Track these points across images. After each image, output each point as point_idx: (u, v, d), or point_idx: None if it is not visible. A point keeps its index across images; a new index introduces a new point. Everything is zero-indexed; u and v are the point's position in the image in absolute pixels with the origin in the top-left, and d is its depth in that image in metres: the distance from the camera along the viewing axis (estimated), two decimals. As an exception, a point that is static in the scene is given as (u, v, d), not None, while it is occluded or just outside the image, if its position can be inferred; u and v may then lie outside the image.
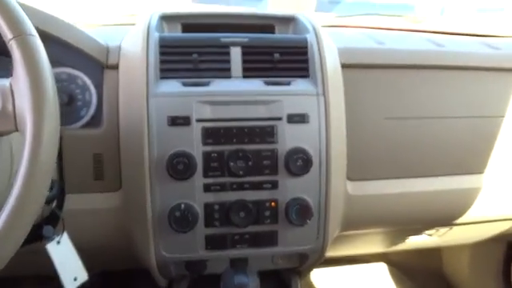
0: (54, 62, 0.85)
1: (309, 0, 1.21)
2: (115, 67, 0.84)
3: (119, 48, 0.86)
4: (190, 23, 0.97)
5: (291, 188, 0.79)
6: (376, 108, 0.85)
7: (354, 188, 0.85)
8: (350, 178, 0.85)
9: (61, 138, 0.79)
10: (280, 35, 0.92)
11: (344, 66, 0.85)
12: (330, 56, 0.86)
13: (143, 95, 0.77)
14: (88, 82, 0.81)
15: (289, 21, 0.98)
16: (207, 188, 0.78)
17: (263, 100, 0.77)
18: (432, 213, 0.91)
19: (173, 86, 0.77)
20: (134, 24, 0.89)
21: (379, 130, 0.85)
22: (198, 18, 0.97)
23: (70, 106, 0.79)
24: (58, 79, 0.77)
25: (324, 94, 0.82)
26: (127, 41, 0.87)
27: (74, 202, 0.80)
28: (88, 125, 0.79)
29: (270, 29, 0.98)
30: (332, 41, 0.91)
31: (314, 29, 0.88)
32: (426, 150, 0.89)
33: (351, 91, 0.85)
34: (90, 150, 0.78)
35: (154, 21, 0.87)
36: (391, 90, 0.87)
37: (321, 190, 0.81)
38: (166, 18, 0.95)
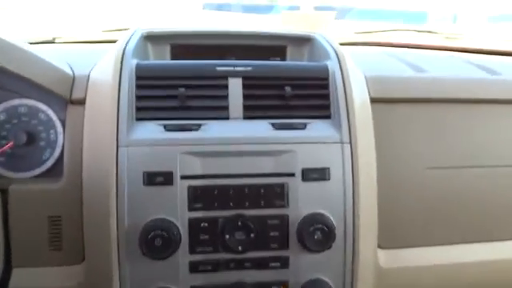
0: (12, 93, 0.67)
1: (327, 14, 1.02)
2: (81, 102, 0.66)
3: (87, 78, 0.67)
4: (182, 44, 0.78)
5: (306, 267, 0.60)
6: (415, 155, 0.69)
7: (388, 259, 0.67)
8: (381, 247, 0.67)
9: (5, 192, 0.61)
10: (293, 63, 0.73)
11: (374, 101, 0.66)
12: (357, 89, 0.66)
13: (111, 143, 0.59)
14: (53, 117, 0.68)
15: (304, 42, 0.78)
16: (194, 268, 0.59)
17: (270, 150, 0.61)
18: None
19: (151, 130, 0.59)
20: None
21: (419, 183, 0.70)
22: (191, 37, 0.78)
23: (30, 146, 0.66)
24: (15, 113, 0.67)
25: (351, 141, 0.62)
26: (98, 69, 0.69)
27: (22, 278, 0.63)
28: (47, 174, 0.66)
29: (279, 52, 0.79)
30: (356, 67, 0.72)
31: (337, 54, 0.68)
32: (482, 208, 0.69)
33: (383, 134, 0.66)
34: (45, 210, 0.64)
35: (133, 42, 0.68)
36: (435, 132, 0.68)
37: (345, 268, 0.62)
38: (152, 38, 0.76)
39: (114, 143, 0.59)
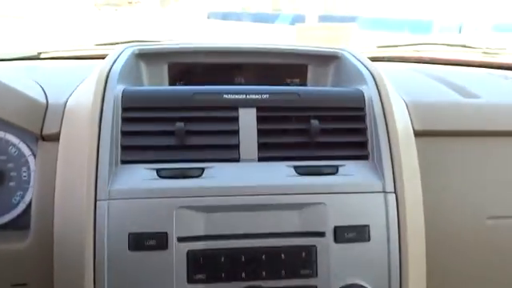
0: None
1: (349, 27, 0.88)
2: (54, 138, 0.52)
3: (63, 107, 0.54)
4: (182, 63, 0.65)
5: None
6: (473, 202, 0.53)
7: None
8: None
9: None
10: (320, 88, 0.59)
11: (418, 134, 0.52)
12: (400, 121, 0.53)
13: (88, 194, 0.46)
14: (26, 152, 0.57)
15: (328, 60, 0.65)
16: None
17: (293, 202, 0.49)
18: None
19: (140, 177, 0.47)
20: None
21: (478, 237, 0.58)
22: (192, 55, 0.65)
23: None
24: None
25: (396, 189, 0.49)
26: (76, 96, 0.56)
27: None
28: (16, 222, 0.55)
29: (299, 73, 0.66)
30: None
31: (373, 76, 0.55)
32: None
33: (430, 176, 0.52)
34: (7, 276, 0.52)
35: (121, 62, 0.55)
36: (496, 172, 0.53)
37: None
38: (146, 57, 0.63)
39: (91, 195, 0.46)
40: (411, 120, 0.58)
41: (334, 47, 0.66)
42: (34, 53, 0.93)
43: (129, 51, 0.60)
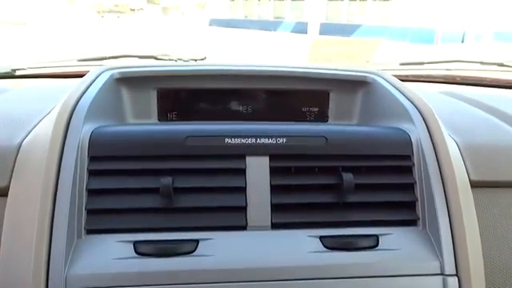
0: None
1: (375, 43, 0.76)
2: (1, 193, 0.40)
3: (16, 153, 0.41)
4: (175, 89, 0.52)
5: None
6: None
7: None
8: None
9: None
10: (352, 129, 0.46)
11: (474, 186, 0.38)
12: (459, 173, 0.40)
13: (36, 280, 0.32)
14: None
15: (357, 86, 0.52)
16: None
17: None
18: None
19: (111, 253, 0.34)
20: None
21: None
22: (189, 80, 0.52)
23: None
24: None
25: (458, 270, 0.35)
26: (34, 137, 0.43)
27: None
28: None
29: (318, 100, 0.53)
30: None
31: (420, 111, 0.42)
32: None
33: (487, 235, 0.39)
34: None
35: (93, 92, 0.42)
36: None
37: None
38: (128, 82, 0.50)
39: (39, 281, 0.33)
40: (466, 168, 0.45)
41: (363, 69, 0.54)
42: (7, 69, 0.80)
43: (106, 75, 0.47)
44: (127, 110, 0.51)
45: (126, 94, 0.51)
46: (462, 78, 0.86)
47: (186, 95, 0.53)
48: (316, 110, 0.55)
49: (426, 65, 0.93)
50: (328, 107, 0.55)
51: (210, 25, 14.89)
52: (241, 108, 0.54)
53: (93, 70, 0.49)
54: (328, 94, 0.54)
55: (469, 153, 0.46)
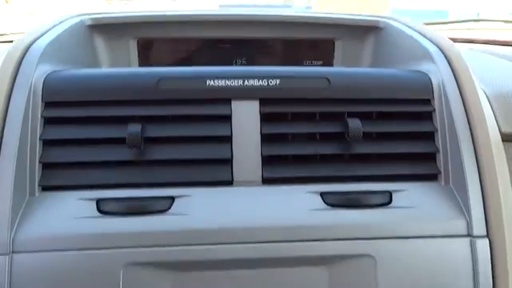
0: None
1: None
2: None
3: None
4: (157, 38, 0.46)
5: None
6: None
7: None
8: None
9: None
10: (359, 70, 0.39)
11: (506, 140, 0.34)
12: (490, 122, 0.33)
13: None
14: None
15: (366, 32, 0.46)
16: None
17: (321, 254, 0.30)
18: None
19: (69, 212, 0.29)
20: None
21: None
22: (174, 27, 0.46)
23: None
24: None
25: (489, 231, 0.29)
26: None
27: None
28: None
29: (322, 50, 0.47)
30: None
31: (443, 52, 0.36)
32: None
33: None
34: None
35: (53, 34, 0.36)
36: None
37: None
38: (103, 30, 0.44)
39: None
40: (496, 119, 0.38)
41: (373, 15, 0.47)
42: None
43: (74, 20, 0.41)
44: (103, 60, 0.45)
45: (100, 43, 0.45)
46: (485, 40, 0.78)
47: (169, 45, 0.46)
48: (320, 62, 0.48)
49: (449, 24, 0.85)
50: (332, 58, 0.48)
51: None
52: (233, 60, 0.47)
53: (62, 15, 0.43)
54: (333, 43, 0.47)
55: (499, 104, 0.39)
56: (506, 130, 0.38)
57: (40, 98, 0.31)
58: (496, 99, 0.40)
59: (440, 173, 0.32)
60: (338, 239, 0.29)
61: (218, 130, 0.32)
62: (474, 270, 0.29)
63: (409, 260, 0.29)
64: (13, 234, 0.28)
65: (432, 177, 0.33)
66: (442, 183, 0.32)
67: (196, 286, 0.28)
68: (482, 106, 0.33)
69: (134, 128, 0.30)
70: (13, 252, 0.28)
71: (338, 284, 0.29)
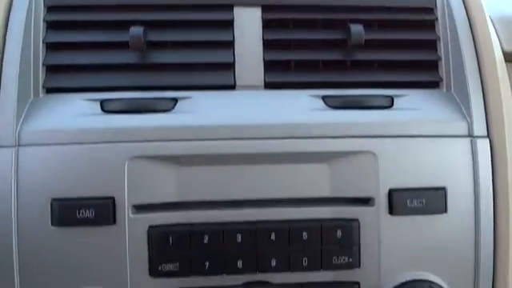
0: None
1: None
2: None
3: None
4: None
5: None
6: None
7: None
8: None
9: None
10: None
11: (508, 59, 0.36)
12: (492, 33, 0.34)
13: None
14: None
15: None
16: None
17: (322, 150, 0.30)
18: None
19: (73, 110, 0.30)
20: None
21: None
22: None
23: None
24: None
25: (490, 132, 0.29)
26: None
27: None
28: None
29: None
30: None
31: None
32: None
33: None
34: None
35: None
36: None
37: None
38: None
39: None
40: (499, 37, 0.38)
41: None
42: None
43: None
44: None
45: None
46: None
47: None
48: None
49: None
50: None
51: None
52: None
53: None
54: None
55: (501, 24, 0.40)
56: (508, 48, 0.38)
57: (42, 2, 0.32)
58: (497, 21, 0.40)
59: (442, 80, 0.33)
60: (339, 137, 0.30)
61: (221, 35, 0.32)
62: (474, 168, 0.30)
63: (409, 158, 0.30)
64: (19, 127, 0.28)
65: (434, 84, 0.33)
66: (444, 90, 0.33)
67: (200, 180, 0.29)
68: (484, 14, 0.33)
69: (136, 30, 0.30)
70: (19, 145, 0.28)
71: (338, 180, 0.29)
